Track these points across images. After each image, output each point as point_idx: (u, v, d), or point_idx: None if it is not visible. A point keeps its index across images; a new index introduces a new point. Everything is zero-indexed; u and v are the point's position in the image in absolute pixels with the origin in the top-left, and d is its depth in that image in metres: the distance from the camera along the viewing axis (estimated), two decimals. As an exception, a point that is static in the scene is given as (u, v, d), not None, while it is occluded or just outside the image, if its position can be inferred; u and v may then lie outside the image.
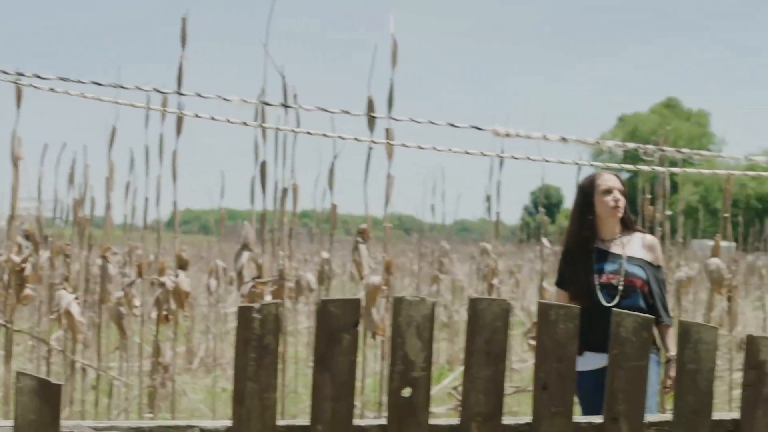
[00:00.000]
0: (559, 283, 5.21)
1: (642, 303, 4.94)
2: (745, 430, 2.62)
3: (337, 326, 2.42)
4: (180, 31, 6.18)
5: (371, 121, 5.20)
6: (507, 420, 2.56)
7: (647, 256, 5.08)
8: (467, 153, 3.67)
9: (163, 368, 6.93)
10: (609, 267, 4.99)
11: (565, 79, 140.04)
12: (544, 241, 8.73)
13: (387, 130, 5.71)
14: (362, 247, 5.65)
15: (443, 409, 9.10)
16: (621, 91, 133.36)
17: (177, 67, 6.11)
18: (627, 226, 5.15)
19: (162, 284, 6.71)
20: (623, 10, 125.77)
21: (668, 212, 7.27)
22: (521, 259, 22.07)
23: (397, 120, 3.68)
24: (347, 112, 3.70)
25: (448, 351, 12.69)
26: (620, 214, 5.06)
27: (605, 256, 5.04)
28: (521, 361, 11.85)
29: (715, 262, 6.91)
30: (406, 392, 2.48)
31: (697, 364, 2.58)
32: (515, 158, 3.74)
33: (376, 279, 5.58)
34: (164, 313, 6.70)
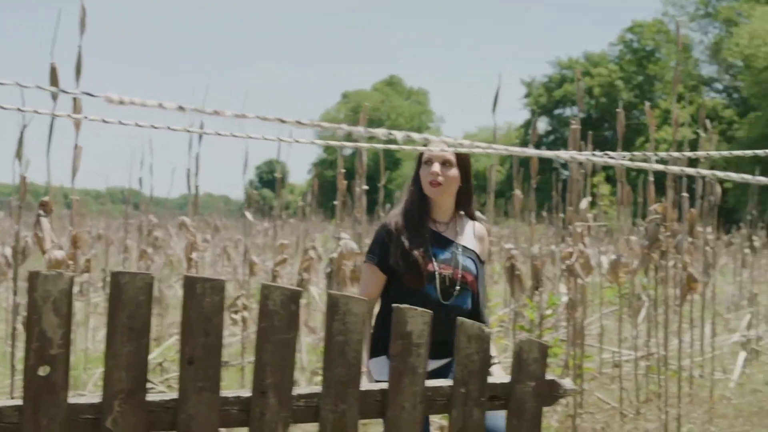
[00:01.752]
0: (378, 262, 4.20)
1: (470, 303, 4.23)
2: (392, 400, 2.66)
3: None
4: None
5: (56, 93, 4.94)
6: (152, 396, 2.49)
7: (477, 248, 4.35)
8: (170, 129, 3.54)
9: None
10: (441, 255, 4.18)
11: (290, 59, 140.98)
12: (247, 214, 8.68)
13: (75, 101, 5.47)
14: (44, 221, 5.36)
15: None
16: (346, 69, 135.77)
17: None
18: (464, 208, 4.36)
19: None
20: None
21: (365, 187, 7.38)
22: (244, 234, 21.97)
23: (93, 96, 3.47)
24: (42, 88, 3.47)
25: (158, 325, 12.46)
26: (439, 193, 4.21)
27: (437, 240, 4.23)
28: (232, 335, 11.80)
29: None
30: (43, 371, 2.35)
31: (346, 335, 2.59)
32: (220, 135, 3.64)
33: (59, 253, 5.33)
34: None
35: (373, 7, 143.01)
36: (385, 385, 2.67)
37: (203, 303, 2.46)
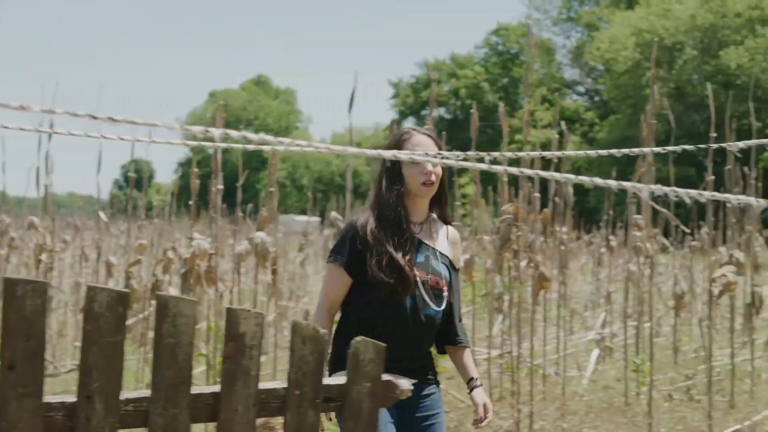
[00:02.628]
0: (345, 263, 3.88)
1: (443, 312, 3.93)
2: (225, 403, 2.62)
3: None
4: None
5: None
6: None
7: (450, 254, 4.06)
8: (22, 129, 3.41)
9: None
10: (416, 259, 3.88)
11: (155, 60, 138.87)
12: (101, 215, 8.49)
13: None
14: None
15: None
16: (214, 68, 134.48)
17: None
18: (439, 209, 4.07)
19: None
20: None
21: (220, 186, 7.30)
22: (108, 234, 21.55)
23: None
24: None
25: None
26: (431, 192, 3.95)
27: (413, 242, 3.90)
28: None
29: (260, 236, 7.04)
30: None
31: (176, 338, 2.54)
32: (73, 135, 3.53)
33: None
34: None
35: (243, 5, 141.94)
36: (217, 388, 2.63)
37: (24, 306, 2.37)
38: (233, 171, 7.65)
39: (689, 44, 46.78)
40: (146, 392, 2.56)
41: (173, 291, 10.84)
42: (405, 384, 2.87)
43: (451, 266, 4.02)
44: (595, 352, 10.49)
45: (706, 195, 2.46)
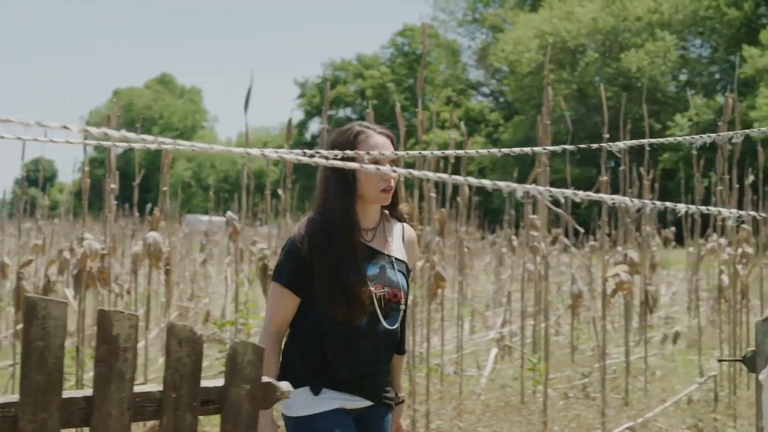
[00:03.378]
0: (289, 283, 3.51)
1: (398, 326, 3.60)
2: (98, 407, 2.56)
3: None
4: None
5: None
6: None
7: (406, 257, 3.71)
8: None
9: None
10: (370, 271, 3.51)
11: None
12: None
13: None
14: None
15: None
16: (119, 66, 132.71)
17: None
18: (393, 206, 3.66)
19: None
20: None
21: (114, 186, 7.18)
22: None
23: None
24: None
25: None
26: (389, 200, 3.55)
27: (365, 253, 3.53)
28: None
29: (152, 236, 6.94)
30: None
31: (46, 341, 2.47)
32: None
33: None
34: None
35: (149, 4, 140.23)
36: (90, 392, 2.57)
37: None
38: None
39: (591, 47, 47.68)
40: (14, 397, 2.49)
41: (69, 292, 10.65)
42: (284, 386, 2.84)
43: (407, 271, 3.69)
44: (494, 351, 10.58)
45: (581, 195, 2.48)
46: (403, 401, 3.80)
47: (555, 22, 48.47)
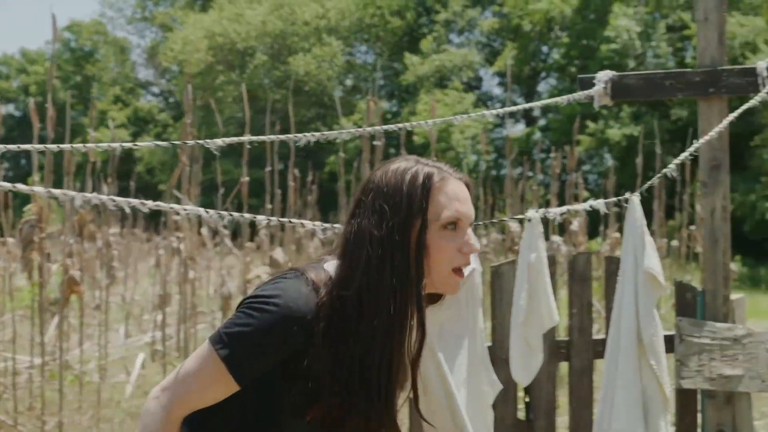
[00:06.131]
0: (241, 376, 2.28)
1: None
2: None
3: None
4: None
5: None
6: None
7: None
8: None
9: None
10: None
11: None
12: None
13: None
14: None
15: None
16: None
17: None
18: None
19: None
20: None
21: None
22: None
23: None
24: None
25: None
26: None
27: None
28: None
29: None
30: None
31: None
32: None
33: None
34: None
35: None
36: None
37: None
38: None
39: (260, 49, 48.00)
40: None
41: None
42: None
43: None
44: (141, 357, 10.31)
45: (150, 204, 2.39)
46: None
47: (225, 23, 48.40)
